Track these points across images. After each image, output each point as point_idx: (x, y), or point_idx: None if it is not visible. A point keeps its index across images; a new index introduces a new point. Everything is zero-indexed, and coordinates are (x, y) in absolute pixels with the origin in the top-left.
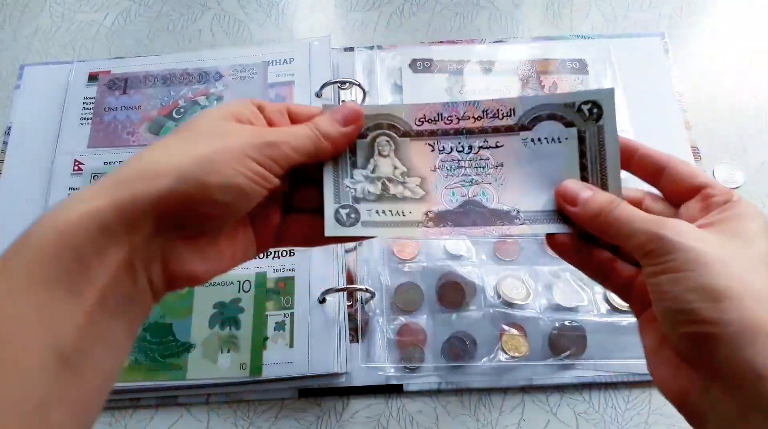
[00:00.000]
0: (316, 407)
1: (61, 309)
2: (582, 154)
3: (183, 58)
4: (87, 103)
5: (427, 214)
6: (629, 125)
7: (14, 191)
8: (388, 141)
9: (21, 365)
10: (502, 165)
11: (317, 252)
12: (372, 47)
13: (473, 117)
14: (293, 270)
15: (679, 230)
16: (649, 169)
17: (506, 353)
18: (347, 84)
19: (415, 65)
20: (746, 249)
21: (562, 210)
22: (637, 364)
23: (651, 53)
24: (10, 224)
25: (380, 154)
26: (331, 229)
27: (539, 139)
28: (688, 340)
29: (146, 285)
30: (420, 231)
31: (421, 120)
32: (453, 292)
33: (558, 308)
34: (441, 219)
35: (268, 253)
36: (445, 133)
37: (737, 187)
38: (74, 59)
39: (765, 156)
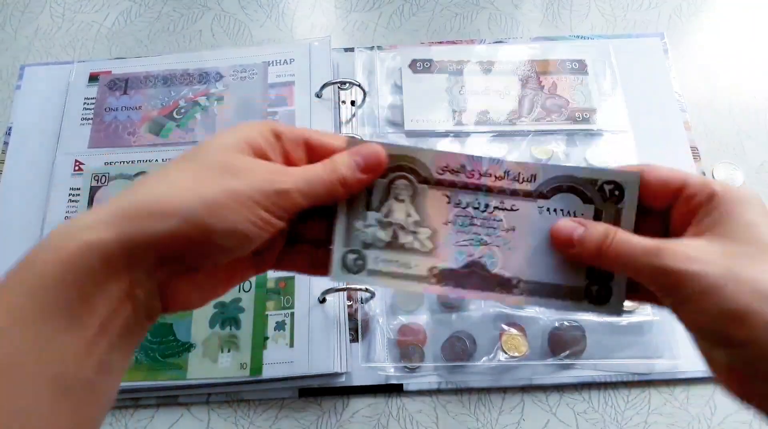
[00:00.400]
0: (316, 407)
1: (61, 340)
2: None
3: (183, 58)
4: (87, 104)
5: (431, 270)
6: (629, 126)
7: (15, 191)
8: (406, 185)
9: (18, 399)
10: (513, 229)
11: None
12: (372, 48)
13: (495, 176)
14: None
15: (679, 256)
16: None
17: (506, 353)
18: (347, 84)
19: (414, 65)
20: (749, 251)
21: (563, 254)
22: (637, 364)
23: (650, 53)
24: (11, 224)
25: (396, 199)
26: (337, 274)
27: (555, 210)
28: (734, 358)
29: (144, 314)
30: (422, 287)
31: (444, 169)
32: None
33: None
34: (444, 277)
35: None
36: (465, 187)
37: None
38: (75, 59)
39: (765, 156)
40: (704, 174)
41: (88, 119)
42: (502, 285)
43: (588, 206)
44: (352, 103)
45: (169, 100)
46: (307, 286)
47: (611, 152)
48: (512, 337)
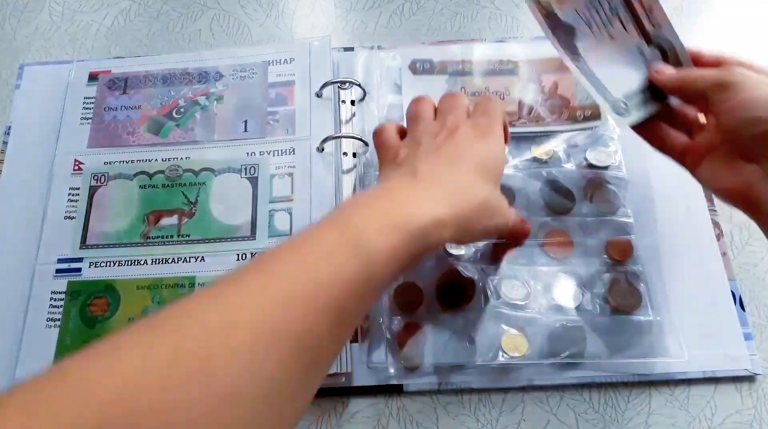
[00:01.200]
0: (316, 407)
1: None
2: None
3: (183, 58)
4: (87, 103)
5: (546, 6)
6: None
7: (15, 191)
8: None
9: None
10: (612, 38)
11: None
12: (372, 47)
13: (642, 2)
14: None
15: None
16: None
17: (506, 353)
18: (347, 84)
19: (414, 67)
20: None
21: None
22: (637, 365)
23: None
24: (11, 224)
25: None
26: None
27: (644, 53)
28: (760, 138)
29: None
30: (532, 7)
31: None
32: (453, 292)
33: (558, 308)
34: (551, 17)
35: None
36: None
37: None
38: (74, 59)
39: None
40: None
41: (88, 119)
42: (574, 53)
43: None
44: (352, 102)
45: (169, 99)
46: None
47: (613, 152)
48: (512, 337)
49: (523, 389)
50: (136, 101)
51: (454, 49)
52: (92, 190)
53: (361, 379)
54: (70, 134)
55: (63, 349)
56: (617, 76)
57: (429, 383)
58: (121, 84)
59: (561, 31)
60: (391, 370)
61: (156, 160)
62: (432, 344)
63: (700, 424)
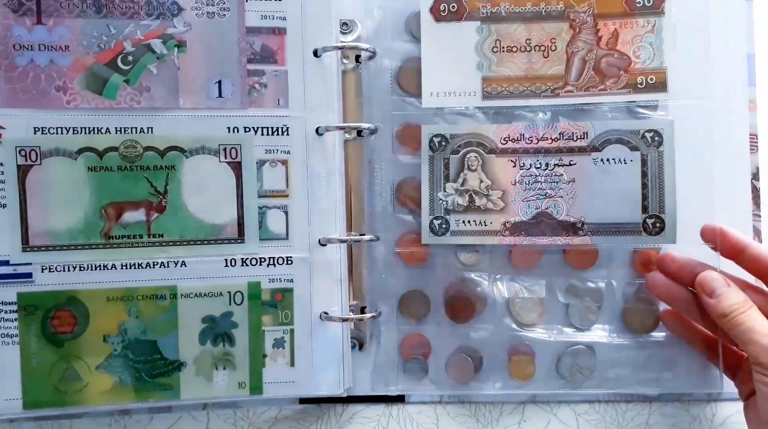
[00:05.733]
0: (316, 408)
1: None
2: (644, 175)
3: None
4: None
5: (504, 225)
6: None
7: None
8: (476, 157)
9: None
10: (573, 181)
11: (318, 262)
12: None
13: (551, 138)
14: (292, 280)
15: None
16: (761, 268)
17: (512, 379)
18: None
19: (438, 10)
20: None
21: (700, 297)
22: (647, 382)
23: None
24: None
25: (469, 169)
26: (426, 237)
27: (608, 160)
28: None
29: None
30: (497, 239)
31: (506, 139)
32: (462, 305)
33: (570, 330)
34: (516, 229)
35: (262, 260)
36: (526, 152)
37: None
38: None
39: None
40: (758, 169)
41: None
42: (568, 229)
43: (634, 153)
44: (357, 58)
45: (109, 39)
46: (308, 299)
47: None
48: (520, 363)
49: None
50: (60, 36)
51: None
52: (22, 171)
53: (363, 389)
54: None
55: (29, 371)
56: None
57: (431, 396)
58: (32, 6)
59: (544, 226)
60: (394, 381)
61: (105, 130)
62: (436, 357)
63: (701, 424)
